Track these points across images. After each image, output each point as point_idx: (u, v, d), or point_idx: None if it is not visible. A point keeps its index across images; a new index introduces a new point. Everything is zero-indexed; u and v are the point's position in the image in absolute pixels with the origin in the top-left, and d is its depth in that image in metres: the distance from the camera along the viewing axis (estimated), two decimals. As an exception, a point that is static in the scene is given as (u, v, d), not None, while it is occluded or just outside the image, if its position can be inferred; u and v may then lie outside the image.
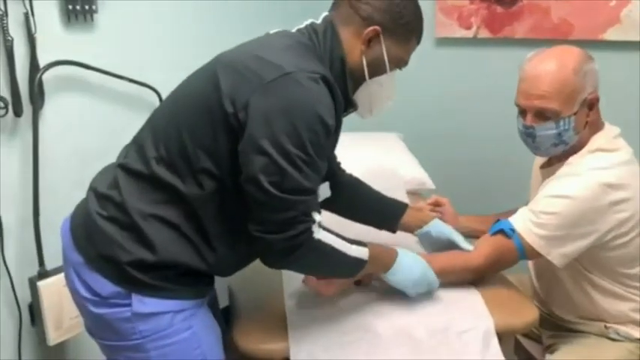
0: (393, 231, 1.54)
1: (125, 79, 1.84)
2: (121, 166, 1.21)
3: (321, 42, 1.20)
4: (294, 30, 1.24)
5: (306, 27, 1.23)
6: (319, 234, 1.13)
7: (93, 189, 1.24)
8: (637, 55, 2.11)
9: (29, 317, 1.71)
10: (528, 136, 1.41)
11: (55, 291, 1.67)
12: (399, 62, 1.27)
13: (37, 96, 1.61)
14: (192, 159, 1.13)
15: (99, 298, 1.15)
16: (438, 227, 1.50)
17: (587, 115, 1.39)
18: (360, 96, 1.27)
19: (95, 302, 1.16)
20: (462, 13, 2.40)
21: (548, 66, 1.36)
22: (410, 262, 1.31)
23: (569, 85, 1.34)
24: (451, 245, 1.45)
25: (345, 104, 1.22)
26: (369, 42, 1.20)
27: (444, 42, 2.46)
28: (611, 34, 2.12)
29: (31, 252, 1.66)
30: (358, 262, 1.21)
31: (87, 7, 1.71)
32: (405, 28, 1.22)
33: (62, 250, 1.26)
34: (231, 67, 1.14)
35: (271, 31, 1.27)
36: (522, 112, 1.42)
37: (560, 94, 1.34)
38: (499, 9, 2.32)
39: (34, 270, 1.68)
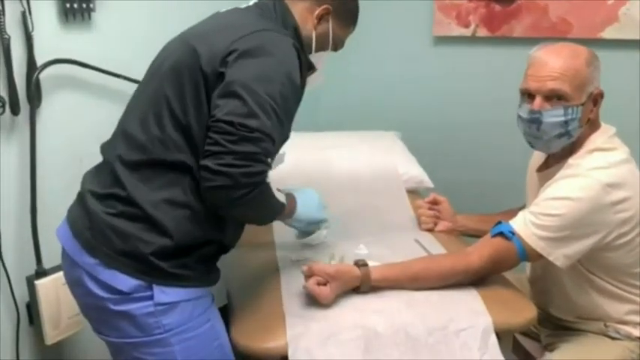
0: None
1: (122, 78, 1.84)
2: (117, 161, 1.22)
3: (272, 14, 1.30)
4: (242, 7, 1.34)
5: (255, 4, 1.34)
6: (269, 179, 1.19)
7: (90, 191, 1.25)
8: (635, 53, 2.11)
9: (27, 316, 1.71)
10: (533, 122, 1.39)
11: (52, 290, 1.67)
12: (338, 43, 1.41)
13: (35, 95, 1.61)
14: (187, 129, 1.18)
15: (120, 295, 1.18)
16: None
17: (591, 111, 1.40)
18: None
19: (116, 300, 1.18)
20: (460, 11, 2.40)
21: (562, 53, 1.37)
22: (307, 199, 1.47)
23: (581, 72, 1.36)
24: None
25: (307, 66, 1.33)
26: (320, 19, 1.34)
27: (442, 40, 2.46)
28: (610, 33, 2.12)
29: (28, 251, 1.66)
30: (282, 206, 1.33)
31: (84, 5, 1.70)
32: (349, 14, 1.39)
33: (65, 257, 1.27)
34: (205, 36, 1.23)
35: (222, 10, 1.36)
36: (530, 97, 1.40)
37: (573, 80, 1.35)
38: (497, 7, 2.32)
39: (32, 269, 1.67)
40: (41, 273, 1.67)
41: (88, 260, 1.20)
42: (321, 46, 1.36)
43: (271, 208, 1.29)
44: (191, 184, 1.19)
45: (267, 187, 1.19)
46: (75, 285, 1.27)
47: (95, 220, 1.20)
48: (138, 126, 1.22)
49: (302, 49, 1.30)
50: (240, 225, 1.33)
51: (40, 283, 1.66)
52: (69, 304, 1.71)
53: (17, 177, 1.64)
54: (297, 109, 1.30)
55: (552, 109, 1.36)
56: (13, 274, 1.64)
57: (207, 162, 1.11)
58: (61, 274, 1.68)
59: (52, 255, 1.69)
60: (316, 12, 1.32)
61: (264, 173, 1.15)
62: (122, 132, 1.27)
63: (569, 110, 1.36)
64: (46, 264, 1.68)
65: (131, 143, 1.22)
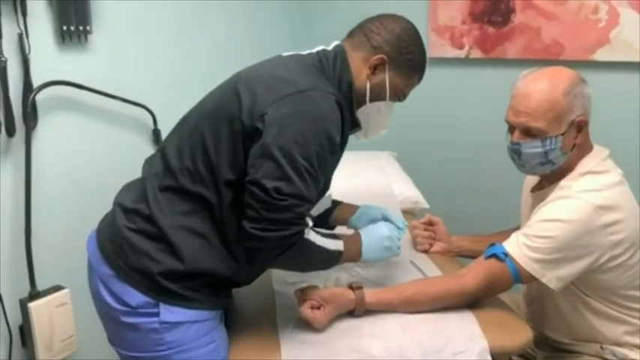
0: (328, 227, 1.54)
1: (119, 100, 1.85)
2: (152, 178, 1.29)
3: (330, 66, 1.31)
4: (305, 53, 1.35)
5: (317, 52, 1.35)
6: (309, 234, 1.21)
7: (119, 205, 1.31)
8: (626, 75, 2.13)
9: (20, 339, 1.69)
10: (514, 152, 1.43)
11: (46, 312, 1.66)
12: (399, 93, 1.38)
13: (30, 116, 1.61)
14: (216, 169, 1.21)
15: (128, 308, 1.23)
16: (367, 210, 1.54)
17: (575, 137, 1.40)
18: (359, 117, 1.37)
19: (125, 312, 1.24)
20: (454, 33, 2.43)
21: (539, 85, 1.37)
22: (373, 237, 1.39)
23: (557, 105, 1.36)
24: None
25: (351, 123, 1.34)
26: (375, 68, 1.32)
27: (436, 62, 2.48)
28: (601, 55, 2.15)
29: (22, 273, 1.65)
30: (337, 255, 1.31)
31: (81, 27, 1.71)
32: (409, 64, 1.35)
33: (88, 264, 1.33)
34: (251, 84, 1.24)
35: (284, 54, 1.36)
36: (511, 129, 1.44)
37: (548, 114, 1.36)
38: (491, 29, 2.35)
39: (25, 291, 1.66)
40: (35, 295, 1.66)
41: (106, 271, 1.26)
42: (377, 96, 1.34)
43: (315, 259, 1.29)
44: (211, 217, 1.23)
45: (304, 243, 1.21)
46: (93, 294, 1.33)
47: (117, 233, 1.26)
48: (175, 153, 1.27)
49: (351, 106, 1.32)
50: (255, 269, 1.34)
51: (34, 306, 1.64)
52: (62, 326, 1.70)
53: (12, 198, 1.63)
54: (337, 162, 1.34)
55: (531, 141, 1.39)
56: (6, 296, 1.63)
57: (245, 224, 1.16)
58: (54, 296, 1.69)
59: (45, 277, 1.69)
60: (371, 61, 1.31)
61: (298, 234, 1.18)
62: (162, 151, 1.32)
63: (547, 142, 1.37)
64: (40, 286, 1.67)
65: (166, 167, 1.28)
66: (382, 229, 1.41)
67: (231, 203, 1.21)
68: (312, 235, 1.24)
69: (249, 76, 1.29)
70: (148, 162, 1.38)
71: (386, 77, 1.33)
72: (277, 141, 1.15)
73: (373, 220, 1.48)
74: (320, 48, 1.36)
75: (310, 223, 1.22)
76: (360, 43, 1.33)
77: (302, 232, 1.19)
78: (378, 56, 1.31)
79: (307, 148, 1.16)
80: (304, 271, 1.37)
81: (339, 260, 1.33)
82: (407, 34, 1.34)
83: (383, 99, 1.35)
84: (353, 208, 1.58)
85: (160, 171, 1.29)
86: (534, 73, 1.41)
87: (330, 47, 1.36)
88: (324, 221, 1.54)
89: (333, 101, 1.21)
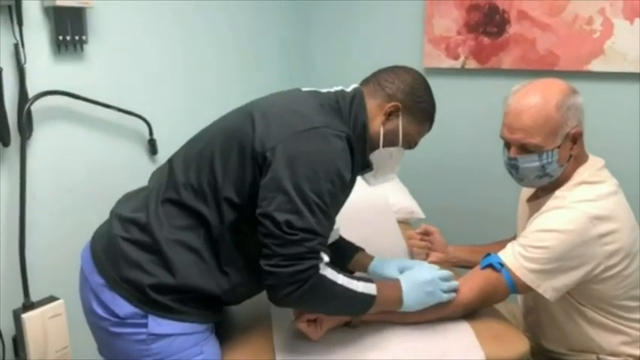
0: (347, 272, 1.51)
1: (115, 109, 1.85)
2: (154, 190, 1.30)
3: (347, 106, 1.33)
4: (324, 91, 1.37)
5: (336, 92, 1.38)
6: (325, 271, 1.19)
7: (117, 214, 1.32)
8: (621, 85, 2.14)
9: (13, 350, 1.68)
10: (512, 167, 1.43)
11: (39, 323, 1.65)
12: (410, 140, 1.42)
13: (25, 126, 1.61)
14: (219, 188, 1.22)
15: (117, 318, 1.23)
16: (381, 264, 1.52)
17: (571, 149, 1.41)
18: (371, 160, 1.39)
19: (113, 323, 1.24)
20: (449, 43, 2.44)
21: (531, 100, 1.37)
22: (414, 281, 1.33)
23: (551, 119, 1.36)
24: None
25: (362, 164, 1.37)
26: (389, 115, 1.35)
27: (432, 72, 2.50)
28: (596, 65, 2.16)
29: (16, 283, 1.64)
30: (366, 298, 1.25)
31: (77, 37, 1.71)
32: (422, 112, 1.39)
33: (80, 274, 1.34)
34: (267, 113, 1.26)
35: (303, 89, 1.39)
36: (506, 145, 1.44)
37: (543, 129, 1.36)
38: (486, 40, 2.37)
39: (19, 302, 1.65)
40: (28, 306, 1.65)
41: (97, 279, 1.26)
42: (390, 142, 1.37)
43: (339, 300, 1.22)
44: (207, 235, 1.24)
45: (321, 280, 1.18)
46: (84, 305, 1.33)
47: (111, 243, 1.27)
48: (182, 168, 1.29)
49: (363, 147, 1.34)
50: (245, 291, 1.32)
51: (27, 317, 1.63)
52: (56, 337, 1.69)
53: (6, 208, 1.62)
54: (345, 200, 1.35)
55: (528, 156, 1.39)
56: (-1, 307, 1.62)
57: (261, 262, 1.17)
58: (48, 307, 1.68)
59: (39, 288, 1.68)
60: (386, 108, 1.34)
61: (312, 269, 1.16)
62: (170, 164, 1.34)
63: (544, 155, 1.38)
64: (34, 297, 1.66)
65: (171, 180, 1.29)
66: (423, 272, 1.36)
67: (230, 225, 1.22)
68: (329, 273, 1.19)
69: (266, 104, 1.32)
70: (156, 173, 1.40)
71: (399, 124, 1.36)
72: (289, 175, 1.16)
73: (395, 267, 1.45)
74: (339, 88, 1.39)
75: (326, 259, 1.19)
76: (375, 91, 1.36)
77: (316, 267, 1.16)
78: (392, 103, 1.34)
79: (318, 184, 1.17)
80: (334, 314, 1.31)
81: (373, 305, 1.26)
82: (419, 84, 1.38)
83: (395, 145, 1.38)
84: (370, 257, 1.56)
85: (164, 183, 1.31)
86: (525, 88, 1.41)
87: (349, 89, 1.38)
88: (342, 266, 1.50)
89: (344, 140, 1.24)
